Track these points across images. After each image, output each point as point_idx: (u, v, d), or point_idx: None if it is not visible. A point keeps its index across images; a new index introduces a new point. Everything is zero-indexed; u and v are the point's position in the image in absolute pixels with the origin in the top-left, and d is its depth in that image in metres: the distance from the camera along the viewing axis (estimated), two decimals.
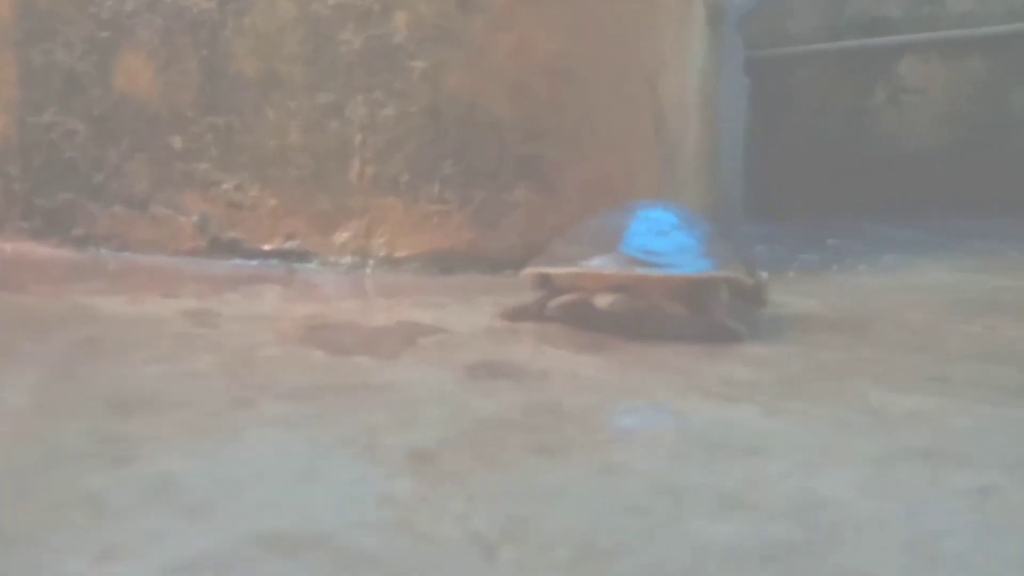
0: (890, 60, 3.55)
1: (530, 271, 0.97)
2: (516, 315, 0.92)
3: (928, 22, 3.50)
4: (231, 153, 1.25)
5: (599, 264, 0.92)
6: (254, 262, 1.23)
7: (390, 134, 1.22)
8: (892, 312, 1.02)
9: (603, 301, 0.86)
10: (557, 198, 1.28)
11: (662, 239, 0.96)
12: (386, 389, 0.59)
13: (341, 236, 1.23)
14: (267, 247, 1.24)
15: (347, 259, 1.23)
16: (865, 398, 0.61)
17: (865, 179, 3.54)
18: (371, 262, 1.22)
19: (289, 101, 1.22)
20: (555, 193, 1.28)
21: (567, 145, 1.28)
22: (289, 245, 1.24)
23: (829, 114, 3.71)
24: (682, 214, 1.05)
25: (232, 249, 1.25)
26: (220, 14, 1.23)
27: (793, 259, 1.85)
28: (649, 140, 1.46)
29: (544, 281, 0.99)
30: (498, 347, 0.77)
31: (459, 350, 0.74)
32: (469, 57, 1.22)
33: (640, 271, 0.90)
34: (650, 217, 1.00)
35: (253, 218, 1.25)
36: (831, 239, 2.52)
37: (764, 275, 1.11)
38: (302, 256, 1.23)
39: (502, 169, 1.25)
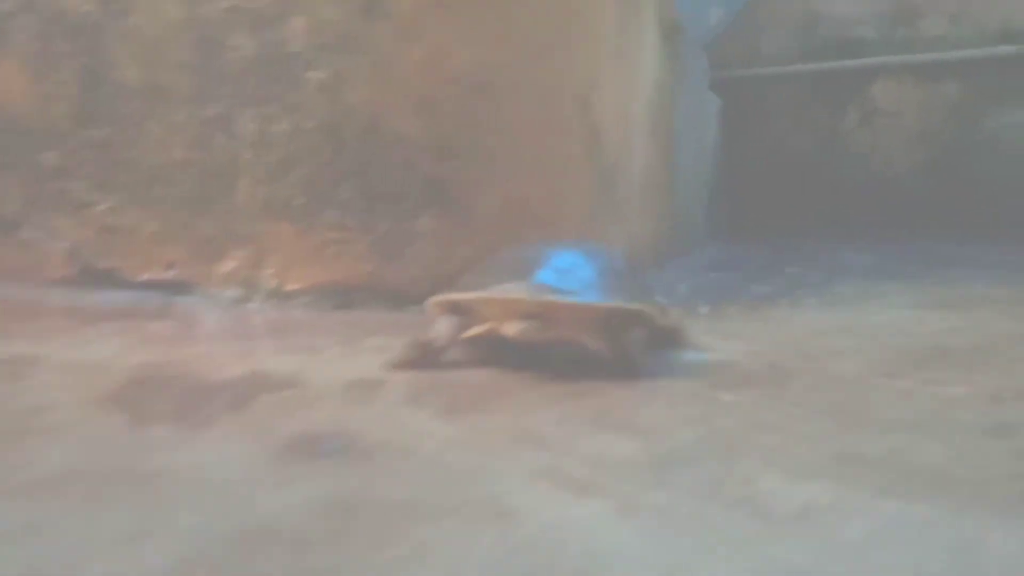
0: (864, 82, 3.48)
1: (436, 301, 0.87)
2: (411, 359, 0.82)
3: (902, 44, 3.44)
4: (109, 171, 1.13)
5: (510, 289, 0.83)
6: (130, 294, 1.11)
7: (282, 152, 1.11)
8: (822, 360, 0.92)
9: (512, 329, 0.79)
10: (469, 225, 1.17)
11: (571, 275, 0.87)
12: (158, 477, 0.47)
13: (226, 265, 1.11)
14: (145, 277, 1.12)
15: (232, 292, 1.11)
16: (752, 486, 0.50)
17: (836, 201, 3.46)
18: (258, 296, 1.10)
19: (174, 114, 1.11)
20: (467, 220, 1.17)
21: (482, 166, 1.17)
22: (169, 275, 1.12)
23: (801, 135, 3.64)
24: (596, 252, 0.97)
25: (107, 279, 1.12)
26: (102, 16, 1.11)
27: (743, 290, 1.75)
28: (579, 162, 1.36)
29: (450, 313, 0.88)
30: (346, 409, 0.65)
31: (296, 414, 0.62)
32: (373, 68, 1.11)
33: (551, 298, 0.81)
34: (562, 254, 0.92)
35: (130, 244, 1.12)
36: (791, 267, 2.43)
37: (677, 316, 1.02)
38: (182, 288, 1.11)
39: (408, 193, 1.13)
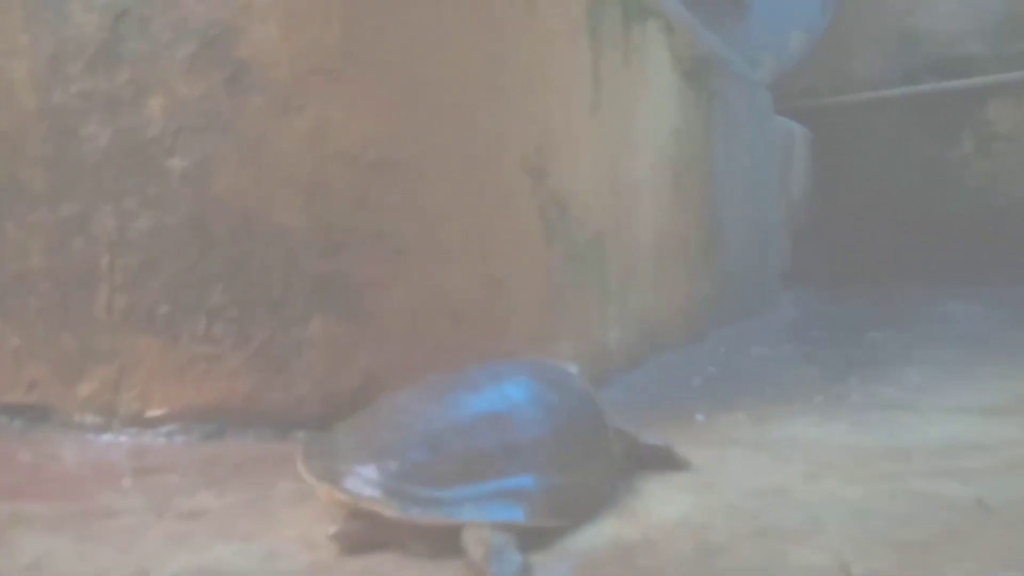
0: (976, 104, 3.05)
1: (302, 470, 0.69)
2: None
3: (1018, 60, 3.00)
4: None
5: (337, 482, 0.67)
6: (2, 418, 0.98)
7: (143, 254, 0.94)
8: (785, 541, 0.65)
9: (332, 528, 0.66)
10: (372, 329, 0.96)
11: (487, 434, 0.71)
12: None
13: (86, 387, 0.95)
14: (8, 399, 0.98)
15: (91, 418, 0.95)
16: None
17: (945, 238, 3.03)
18: (117, 422, 0.94)
19: (30, 214, 0.97)
20: (368, 323, 0.96)
21: (386, 259, 0.96)
22: (31, 398, 0.98)
23: (904, 167, 3.23)
24: (542, 375, 0.81)
25: None
26: None
27: (776, 379, 1.45)
28: (533, 242, 1.13)
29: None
30: None
31: None
32: (243, 150, 0.93)
33: (371, 506, 0.65)
34: (486, 390, 0.76)
35: None
36: (875, 330, 2.07)
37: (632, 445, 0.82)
38: (43, 413, 0.96)
39: (292, 295, 0.94)
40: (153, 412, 0.92)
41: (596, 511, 0.72)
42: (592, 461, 0.76)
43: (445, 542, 0.64)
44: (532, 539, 0.65)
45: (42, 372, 0.95)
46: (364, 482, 0.65)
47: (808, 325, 2.24)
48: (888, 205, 3.20)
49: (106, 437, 0.91)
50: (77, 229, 0.94)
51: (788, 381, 1.38)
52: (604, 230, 1.29)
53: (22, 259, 0.96)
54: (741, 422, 1.07)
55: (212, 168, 0.92)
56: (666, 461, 0.84)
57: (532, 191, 1.10)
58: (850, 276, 3.09)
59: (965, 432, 1.00)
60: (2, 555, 0.63)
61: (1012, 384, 1.30)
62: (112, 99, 0.92)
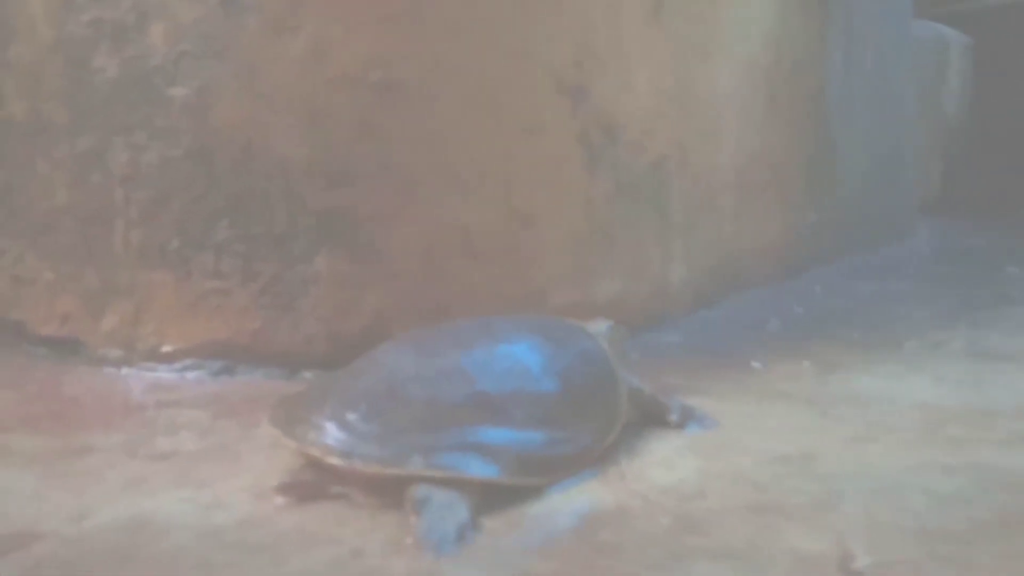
0: None
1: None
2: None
3: None
4: (11, 217, 1.03)
5: (287, 431, 0.63)
6: (41, 349, 1.01)
7: (154, 188, 0.92)
8: (785, 520, 0.53)
9: (279, 480, 0.63)
10: (380, 266, 0.90)
11: (457, 385, 0.64)
12: None
13: (109, 321, 0.96)
14: (44, 331, 1.01)
15: (115, 351, 0.96)
16: None
17: None
18: (136, 357, 0.94)
19: (54, 149, 0.97)
20: (376, 259, 0.90)
21: (394, 190, 0.89)
22: (64, 330, 1.00)
23: None
24: (542, 340, 0.72)
25: (19, 332, 1.03)
26: None
27: (882, 314, 1.27)
28: (569, 170, 1.03)
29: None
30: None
31: None
32: (241, 76, 0.88)
33: (313, 452, 0.60)
34: (479, 347, 0.68)
35: (33, 295, 1.02)
36: (1013, 265, 1.80)
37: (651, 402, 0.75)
38: (73, 346, 0.98)
39: (296, 230, 0.89)
40: (168, 347, 0.91)
41: (577, 471, 0.64)
42: (588, 419, 0.68)
43: (395, 494, 0.58)
44: (498, 498, 0.59)
45: (72, 306, 0.97)
46: (314, 429, 0.61)
47: (939, 259, 1.99)
48: None
49: (125, 371, 0.92)
50: (95, 163, 0.93)
51: (884, 324, 1.21)
52: (668, 155, 1.16)
53: (50, 196, 0.97)
54: (804, 372, 0.94)
55: (211, 97, 0.88)
56: (685, 420, 0.74)
57: (570, 113, 0.99)
58: (1009, 205, 2.72)
59: None
60: None
61: None
62: (118, 27, 0.89)
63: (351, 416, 0.60)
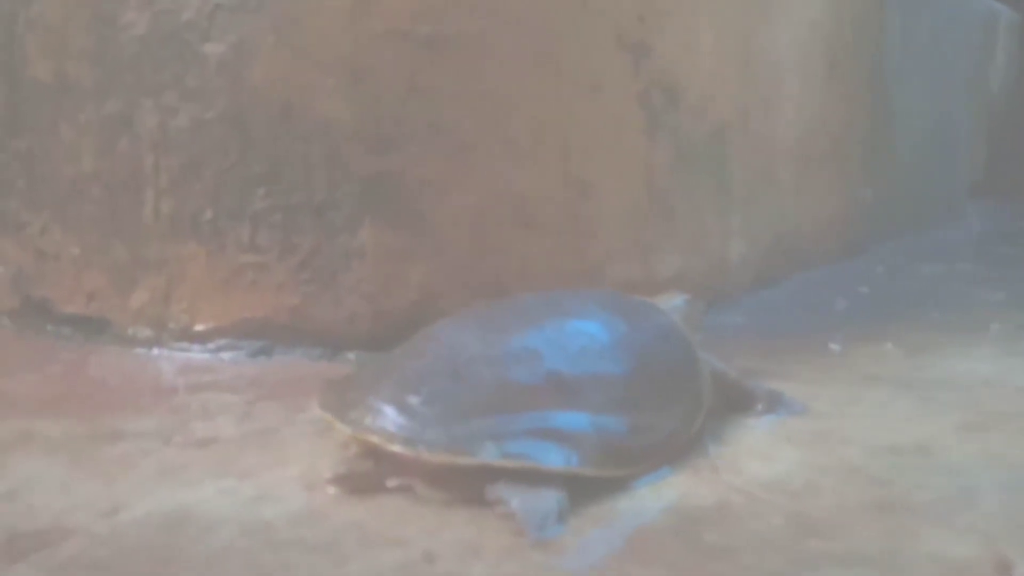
0: None
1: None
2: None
3: None
4: (35, 185, 0.97)
5: (341, 416, 0.56)
6: (65, 329, 0.95)
7: (185, 154, 0.86)
8: (919, 521, 0.46)
9: (332, 470, 0.56)
10: (429, 240, 0.83)
11: (530, 365, 0.57)
12: None
13: (139, 298, 0.90)
14: (70, 309, 0.95)
15: (143, 331, 0.90)
16: None
17: None
18: (167, 336, 0.88)
19: (80, 113, 0.91)
20: (425, 232, 0.83)
21: (444, 155, 0.83)
22: (91, 308, 0.94)
23: None
24: (617, 316, 0.65)
25: (43, 311, 0.97)
26: (12, 4, 0.95)
27: (954, 297, 1.19)
28: (630, 134, 0.95)
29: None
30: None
31: None
32: (279, 31, 0.81)
33: (371, 438, 0.53)
34: (549, 323, 0.61)
35: (58, 271, 0.96)
36: None
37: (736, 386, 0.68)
38: (100, 325, 0.92)
39: (337, 199, 0.83)
40: (201, 326, 0.85)
41: (667, 462, 0.57)
42: (671, 403, 0.61)
43: (463, 488, 0.52)
44: (576, 493, 0.52)
45: (99, 282, 0.91)
46: (372, 413, 0.54)
47: (997, 241, 1.90)
48: None
49: (156, 351, 0.86)
50: (122, 128, 0.87)
51: (960, 306, 1.13)
52: (729, 122, 1.08)
53: (76, 162, 0.91)
54: (888, 355, 0.87)
55: (247, 54, 0.81)
56: (772, 406, 0.67)
57: (631, 73, 0.91)
58: None
59: None
60: None
61: None
62: None
63: (412, 399, 0.54)
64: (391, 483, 0.53)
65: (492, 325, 0.60)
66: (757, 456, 0.58)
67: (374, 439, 0.52)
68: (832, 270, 1.34)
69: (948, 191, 2.01)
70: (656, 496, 0.53)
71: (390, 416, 0.53)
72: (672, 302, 0.74)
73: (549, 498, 0.51)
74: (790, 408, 0.67)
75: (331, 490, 0.54)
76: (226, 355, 0.84)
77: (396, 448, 0.51)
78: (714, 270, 1.07)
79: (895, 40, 1.60)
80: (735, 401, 0.68)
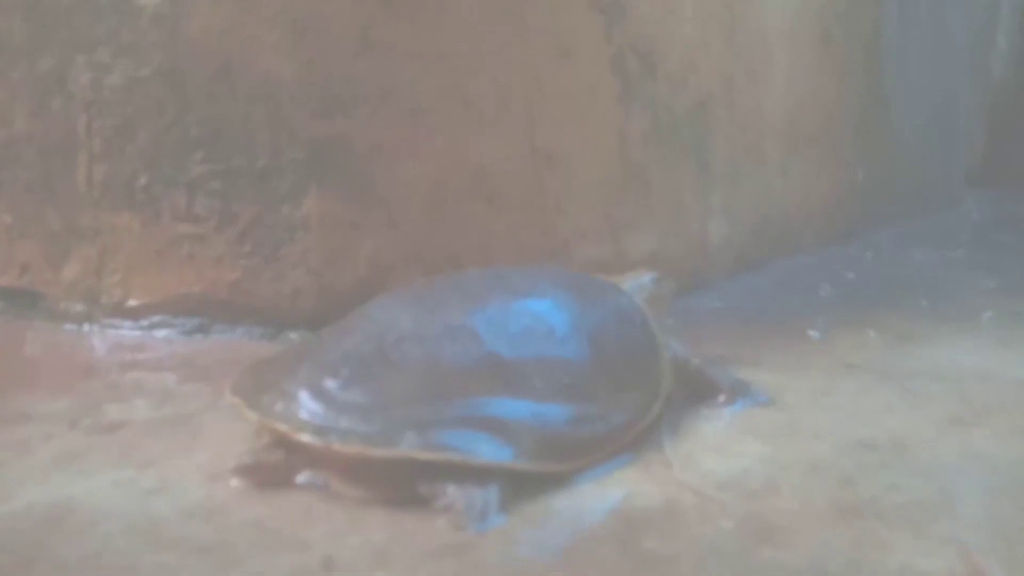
0: None
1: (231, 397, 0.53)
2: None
3: None
4: None
5: (249, 401, 0.50)
6: None
7: (119, 114, 0.80)
8: (889, 528, 0.41)
9: (247, 457, 0.50)
10: (381, 211, 0.77)
11: (465, 346, 0.52)
12: None
13: (71, 271, 0.84)
14: (2, 282, 0.89)
15: (75, 306, 0.84)
16: None
17: None
18: (99, 312, 0.83)
19: (12, 71, 0.85)
20: (376, 203, 0.77)
21: (398, 119, 0.77)
22: (23, 281, 0.88)
23: None
24: (569, 295, 0.59)
25: None
26: None
27: (945, 284, 1.13)
28: (602, 103, 0.89)
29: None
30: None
31: None
32: None
33: (280, 427, 0.48)
34: (492, 301, 0.56)
35: None
36: None
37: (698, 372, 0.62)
38: (32, 299, 0.86)
39: (281, 165, 0.77)
40: (134, 301, 0.79)
41: (615, 455, 0.52)
42: (623, 391, 0.55)
43: (384, 485, 0.46)
44: (513, 488, 0.47)
45: (32, 253, 0.85)
46: (283, 399, 0.49)
47: (994, 228, 1.84)
48: None
49: (87, 327, 0.80)
50: (56, 87, 0.80)
51: (951, 294, 1.07)
52: (712, 94, 1.02)
53: (8, 124, 0.84)
54: (870, 343, 0.81)
55: (185, 4, 0.75)
56: (736, 396, 0.61)
57: (603, 35, 0.85)
58: None
59: None
60: None
61: None
62: None
63: (330, 383, 0.48)
64: (302, 477, 0.48)
65: (429, 302, 0.55)
66: (715, 451, 0.53)
67: (281, 427, 0.47)
68: (819, 255, 1.28)
69: (945, 176, 1.95)
70: (599, 494, 0.47)
71: (303, 402, 0.47)
72: (638, 281, 0.68)
73: (489, 489, 0.46)
74: (755, 398, 0.62)
75: (235, 482, 0.48)
76: (160, 332, 0.79)
77: (304, 438, 0.46)
78: (692, 251, 1.01)
79: (892, 16, 1.53)
80: (697, 390, 0.63)
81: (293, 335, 0.77)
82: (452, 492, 0.45)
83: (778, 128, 1.18)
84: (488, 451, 0.47)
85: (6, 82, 0.84)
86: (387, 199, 0.76)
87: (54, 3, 0.80)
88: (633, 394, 0.56)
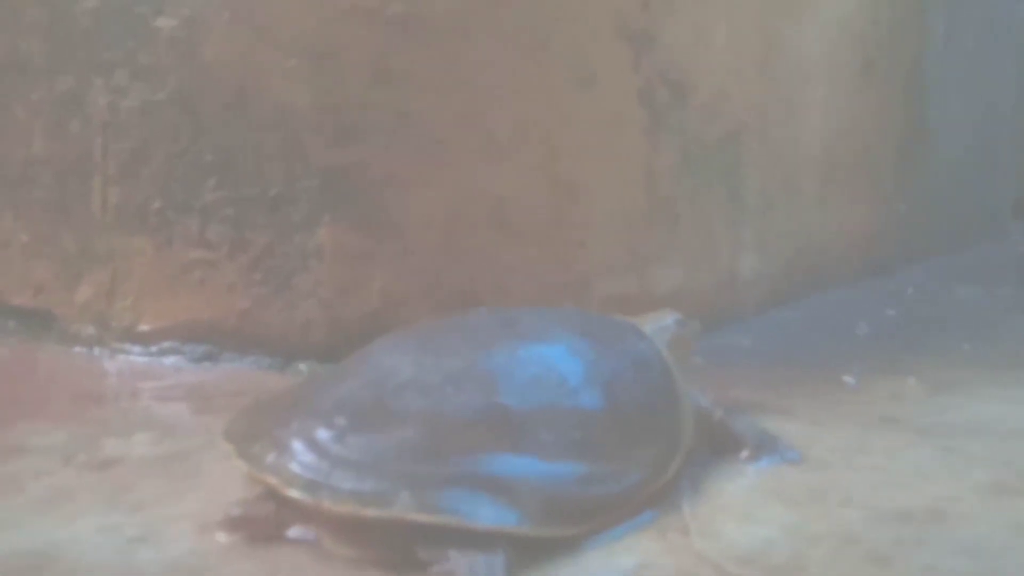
0: None
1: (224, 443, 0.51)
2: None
3: None
4: None
5: (241, 450, 0.48)
6: (11, 322, 0.88)
7: (135, 137, 0.78)
8: None
9: (235, 509, 0.48)
10: (394, 242, 0.75)
11: (468, 395, 0.49)
12: None
13: (83, 293, 0.83)
14: (17, 301, 0.88)
15: (87, 329, 0.83)
16: None
17: None
18: (110, 336, 0.81)
19: (31, 92, 0.84)
20: (390, 233, 0.75)
21: (413, 149, 0.74)
22: (37, 301, 0.87)
23: None
24: (583, 340, 0.56)
25: None
26: None
27: (991, 326, 1.08)
28: (629, 133, 0.86)
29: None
30: None
31: None
32: (234, 6, 0.74)
33: (269, 480, 0.45)
34: (499, 346, 0.53)
35: (7, 259, 0.89)
36: None
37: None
38: (45, 319, 0.85)
39: (295, 193, 0.75)
40: (145, 326, 0.78)
41: (629, 518, 0.49)
42: (640, 447, 0.52)
43: (379, 544, 0.44)
44: (516, 552, 0.43)
45: (46, 274, 0.84)
46: (275, 449, 0.46)
47: None
48: None
49: (97, 351, 0.79)
50: (73, 108, 0.79)
51: (996, 337, 1.02)
52: (745, 124, 0.98)
53: (27, 144, 0.84)
54: (909, 392, 0.77)
55: (201, 29, 0.73)
56: (762, 452, 0.57)
57: (631, 65, 0.82)
58: None
59: None
60: None
61: None
62: None
63: (323, 434, 0.46)
64: (292, 532, 0.45)
65: (433, 346, 0.52)
66: (738, 516, 0.49)
67: (271, 480, 0.44)
68: (856, 290, 1.23)
69: (990, 207, 1.88)
70: (607, 563, 0.44)
71: (296, 453, 0.45)
72: (660, 323, 0.65)
73: (493, 555, 0.43)
74: (783, 455, 0.58)
75: (222, 536, 0.46)
76: (169, 359, 0.77)
77: (294, 494, 0.43)
78: (721, 286, 0.97)
79: (937, 43, 1.48)
80: (720, 443, 0.59)
81: (302, 366, 0.74)
82: (454, 557, 0.42)
83: (814, 158, 1.14)
84: (490, 514, 0.44)
85: (26, 103, 0.83)
86: (401, 230, 0.74)
87: (73, 25, 0.79)
88: (650, 450, 0.52)
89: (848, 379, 0.80)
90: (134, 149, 0.78)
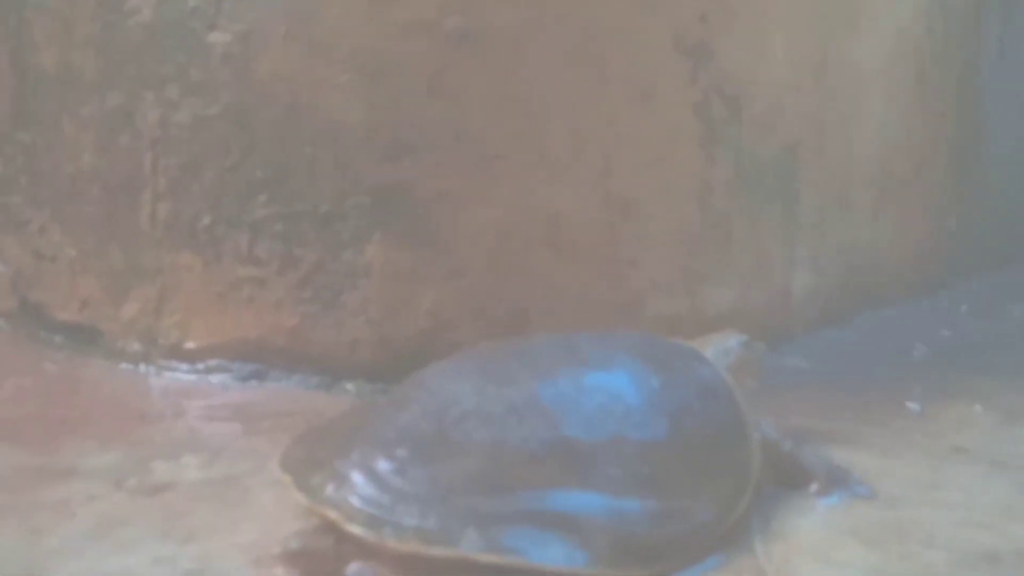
0: None
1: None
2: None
3: None
4: (36, 181, 0.91)
5: (299, 482, 0.47)
6: (58, 336, 0.88)
7: (185, 152, 0.78)
8: None
9: (291, 543, 0.46)
10: (445, 260, 0.74)
11: (533, 427, 0.47)
12: None
13: (130, 309, 0.83)
14: (63, 316, 0.88)
15: (133, 345, 0.82)
16: None
17: None
18: (157, 353, 0.80)
19: (82, 106, 0.84)
20: (441, 251, 0.73)
21: (467, 165, 0.73)
22: (83, 316, 0.87)
23: None
24: (648, 367, 0.54)
25: (37, 315, 0.91)
26: None
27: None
28: (684, 149, 0.84)
29: None
30: None
31: None
32: (289, 21, 0.73)
33: (330, 514, 0.44)
34: (562, 373, 0.51)
35: (55, 273, 0.89)
36: None
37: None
38: (91, 335, 0.85)
39: (345, 210, 0.74)
40: (192, 344, 0.77)
41: (700, 558, 0.47)
42: (709, 482, 0.50)
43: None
44: None
45: (93, 289, 0.83)
46: (334, 481, 0.45)
47: None
48: None
49: (143, 368, 0.78)
50: (124, 123, 0.79)
51: None
52: (801, 139, 0.96)
53: (76, 159, 0.84)
54: (977, 420, 0.74)
55: (255, 44, 0.72)
56: (834, 485, 0.55)
57: (688, 79, 0.80)
58: None
59: None
60: None
61: None
62: None
63: (384, 465, 0.44)
64: (352, 568, 0.44)
65: (494, 373, 0.50)
66: (815, 557, 0.47)
67: (332, 515, 0.43)
68: (909, 308, 1.19)
69: None
70: None
71: (356, 486, 0.43)
72: (722, 345, 0.63)
73: None
74: (854, 490, 0.56)
75: (280, 571, 0.45)
76: (216, 377, 0.76)
77: (355, 530, 0.42)
78: (774, 305, 0.95)
79: (991, 54, 1.44)
80: (787, 476, 0.57)
81: (349, 386, 0.73)
82: None
83: (869, 173, 1.11)
84: (559, 555, 0.42)
85: (76, 117, 0.83)
86: (452, 248, 0.72)
87: (125, 39, 0.79)
88: (719, 484, 0.50)
89: (912, 405, 0.77)
90: (184, 164, 0.77)
